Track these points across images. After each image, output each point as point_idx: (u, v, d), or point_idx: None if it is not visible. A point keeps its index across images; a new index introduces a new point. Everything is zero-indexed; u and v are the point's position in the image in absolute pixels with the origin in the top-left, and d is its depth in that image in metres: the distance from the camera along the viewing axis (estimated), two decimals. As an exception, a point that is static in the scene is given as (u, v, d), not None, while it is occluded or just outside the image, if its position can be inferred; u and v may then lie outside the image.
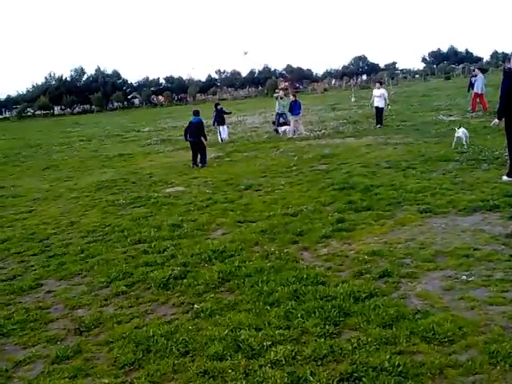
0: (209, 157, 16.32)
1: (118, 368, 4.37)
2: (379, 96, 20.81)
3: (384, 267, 5.88)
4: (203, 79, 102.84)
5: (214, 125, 22.27)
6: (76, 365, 4.48)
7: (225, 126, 22.28)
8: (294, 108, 20.93)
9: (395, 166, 12.03)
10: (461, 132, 13.78)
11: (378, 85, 22.30)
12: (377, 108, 20.94)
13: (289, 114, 21.47)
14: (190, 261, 6.80)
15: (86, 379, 4.26)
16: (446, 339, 4.20)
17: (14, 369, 4.59)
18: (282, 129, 21.78)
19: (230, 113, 24.62)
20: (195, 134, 15.84)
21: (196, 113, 16.52)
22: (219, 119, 21.89)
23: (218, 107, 22.22)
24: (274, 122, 23.43)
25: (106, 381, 4.15)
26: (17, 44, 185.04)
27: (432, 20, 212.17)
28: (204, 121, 16.83)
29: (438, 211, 8.02)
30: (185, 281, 6.15)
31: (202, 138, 15.78)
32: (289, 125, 21.55)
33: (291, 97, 22.05)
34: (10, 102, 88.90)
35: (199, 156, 15.75)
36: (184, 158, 17.32)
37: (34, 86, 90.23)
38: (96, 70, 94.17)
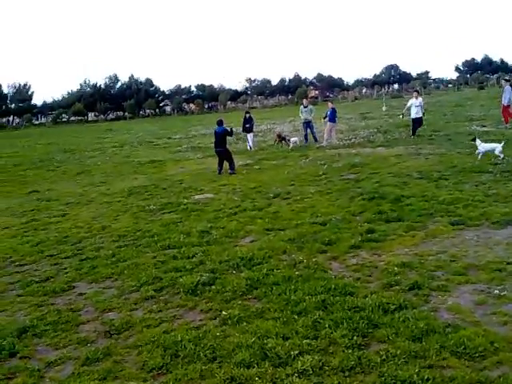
0: (238, 164, 16.44)
1: (146, 372, 4.43)
2: (418, 106, 20.15)
3: (414, 279, 5.81)
4: (234, 87, 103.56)
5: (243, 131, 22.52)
6: (105, 367, 4.57)
7: (251, 134, 22.28)
8: (333, 115, 20.98)
9: (427, 176, 11.86)
10: (488, 146, 13.67)
11: (415, 94, 21.52)
12: (415, 119, 20.23)
13: (323, 120, 21.55)
14: (218, 267, 6.85)
15: (115, 382, 4.33)
16: (477, 354, 4.13)
17: (45, 369, 4.71)
18: (292, 140, 21.28)
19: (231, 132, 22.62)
20: (220, 143, 16.13)
21: (220, 122, 16.66)
22: (245, 127, 21.99)
23: (247, 115, 22.33)
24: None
25: (135, 384, 4.22)
26: (53, 52, 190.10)
27: (466, 29, 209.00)
28: (234, 128, 16.96)
29: (470, 223, 7.88)
30: (213, 287, 6.20)
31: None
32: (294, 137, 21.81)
33: (329, 104, 21.96)
34: (45, 108, 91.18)
35: (227, 164, 15.92)
36: (213, 166, 17.43)
37: (69, 93, 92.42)
38: (129, 78, 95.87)
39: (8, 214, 12.50)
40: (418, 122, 20.33)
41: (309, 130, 22.30)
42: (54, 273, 7.51)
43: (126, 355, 4.79)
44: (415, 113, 20.25)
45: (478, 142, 13.87)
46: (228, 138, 16.60)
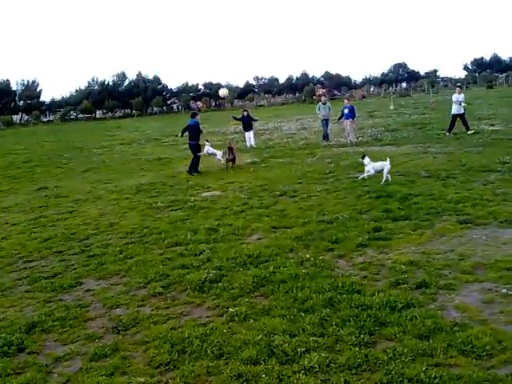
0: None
1: (153, 367, 4.46)
2: (462, 101, 19.61)
3: (421, 278, 5.80)
4: (241, 85, 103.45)
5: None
6: (113, 363, 4.59)
7: (251, 132, 21.82)
8: (353, 112, 20.72)
9: (435, 175, 11.83)
10: (378, 165, 11.96)
11: (458, 89, 20.89)
12: (456, 115, 19.67)
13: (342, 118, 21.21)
14: (225, 265, 6.87)
15: (123, 377, 4.35)
16: (484, 353, 4.12)
17: (53, 364, 4.74)
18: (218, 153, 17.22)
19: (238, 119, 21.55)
20: (192, 136, 16.35)
21: (193, 115, 16.76)
22: (244, 125, 21.68)
23: (245, 113, 21.84)
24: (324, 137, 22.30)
25: (142, 380, 4.24)
26: (62, 49, 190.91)
27: (475, 27, 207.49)
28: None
29: (478, 222, 7.85)
30: (220, 284, 6.21)
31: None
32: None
33: (345, 101, 21.80)
34: (54, 106, 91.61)
35: (223, 160, 16.09)
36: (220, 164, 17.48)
37: (77, 91, 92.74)
38: (137, 76, 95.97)
39: (17, 211, 12.58)
40: (457, 118, 19.63)
41: (326, 127, 21.85)
42: (62, 269, 7.55)
43: (133, 351, 4.81)
44: (455, 109, 19.71)
45: (366, 160, 12.12)
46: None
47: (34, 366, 4.67)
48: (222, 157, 16.64)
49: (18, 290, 6.81)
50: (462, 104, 19.64)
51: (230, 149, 16.46)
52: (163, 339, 4.89)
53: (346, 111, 20.75)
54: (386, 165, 11.66)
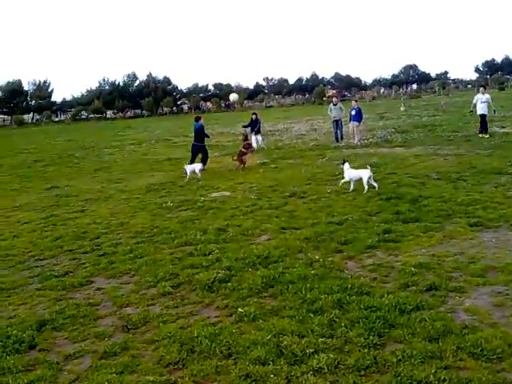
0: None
1: (162, 366, 4.48)
2: (485, 102, 19.39)
3: (431, 280, 5.77)
4: (251, 86, 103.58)
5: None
6: (123, 361, 4.62)
7: (259, 136, 21.43)
8: (359, 115, 20.65)
9: (445, 177, 11.76)
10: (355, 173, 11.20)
11: (482, 89, 20.80)
12: (482, 115, 19.38)
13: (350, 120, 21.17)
14: (234, 265, 6.88)
15: (132, 376, 4.38)
16: (494, 356, 4.09)
17: (64, 362, 4.77)
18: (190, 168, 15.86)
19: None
20: (196, 138, 17.33)
21: (197, 119, 17.82)
22: (253, 128, 21.33)
23: (253, 117, 21.54)
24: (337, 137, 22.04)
25: (151, 378, 4.26)
26: (73, 50, 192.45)
27: (486, 29, 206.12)
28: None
29: (489, 225, 7.80)
30: (229, 284, 6.23)
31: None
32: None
33: (353, 102, 21.64)
34: (65, 106, 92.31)
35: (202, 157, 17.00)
36: (230, 164, 17.54)
37: (88, 91, 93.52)
38: (148, 76, 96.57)
39: (28, 209, 12.70)
40: (485, 117, 19.40)
41: (338, 129, 21.66)
42: (72, 267, 7.61)
43: (142, 350, 4.84)
44: (481, 109, 19.45)
45: (345, 166, 11.37)
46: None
47: (45, 364, 4.71)
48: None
49: (29, 288, 6.87)
50: (488, 104, 19.25)
51: (245, 138, 17.94)
52: (172, 338, 4.91)
53: (352, 113, 20.77)
54: (364, 173, 10.93)
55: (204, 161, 16.84)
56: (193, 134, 18.06)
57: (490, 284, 5.62)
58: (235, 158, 16.68)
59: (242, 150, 16.93)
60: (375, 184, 10.95)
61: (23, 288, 6.90)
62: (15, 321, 5.71)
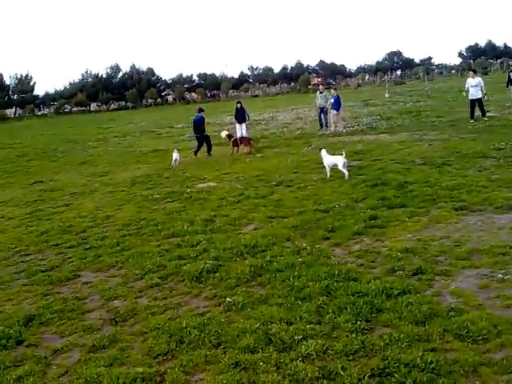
0: (240, 153, 16.43)
1: (151, 357, 4.47)
2: (475, 85, 18.90)
3: (417, 264, 5.82)
4: (236, 76, 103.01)
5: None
6: (111, 354, 4.61)
7: (243, 125, 20.07)
8: (337, 103, 20.74)
9: (430, 162, 11.84)
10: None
11: (471, 73, 20.12)
12: (473, 100, 18.89)
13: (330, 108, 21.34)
14: (222, 255, 6.88)
15: (121, 368, 4.37)
16: (480, 337, 4.15)
17: (52, 356, 4.75)
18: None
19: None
20: (196, 129, 18.13)
21: (199, 110, 18.44)
22: (238, 117, 20.39)
23: (238, 105, 20.37)
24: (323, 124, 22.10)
25: (141, 370, 4.26)
26: (55, 42, 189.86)
27: (469, 14, 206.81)
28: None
29: (473, 208, 7.88)
30: (217, 274, 6.23)
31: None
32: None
33: (332, 91, 21.69)
34: (48, 99, 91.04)
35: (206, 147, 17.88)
36: (217, 154, 17.49)
37: (71, 84, 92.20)
38: (131, 67, 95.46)
39: (12, 205, 12.57)
40: (476, 103, 18.98)
41: (323, 116, 22.04)
42: (59, 262, 7.55)
43: (131, 342, 4.83)
44: (472, 93, 19.03)
45: (323, 152, 11.73)
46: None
47: (33, 359, 4.68)
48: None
49: (15, 284, 6.82)
50: (481, 88, 18.84)
51: (230, 136, 18.51)
52: (161, 329, 4.90)
53: (331, 101, 20.96)
54: (339, 159, 11.09)
55: (209, 148, 17.91)
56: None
57: (475, 267, 5.68)
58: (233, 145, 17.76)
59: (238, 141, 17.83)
60: (346, 172, 11.03)
61: (9, 284, 6.85)
62: (2, 317, 5.67)
